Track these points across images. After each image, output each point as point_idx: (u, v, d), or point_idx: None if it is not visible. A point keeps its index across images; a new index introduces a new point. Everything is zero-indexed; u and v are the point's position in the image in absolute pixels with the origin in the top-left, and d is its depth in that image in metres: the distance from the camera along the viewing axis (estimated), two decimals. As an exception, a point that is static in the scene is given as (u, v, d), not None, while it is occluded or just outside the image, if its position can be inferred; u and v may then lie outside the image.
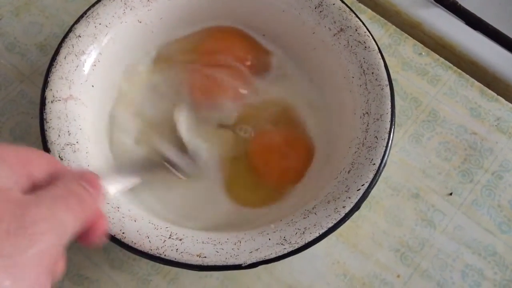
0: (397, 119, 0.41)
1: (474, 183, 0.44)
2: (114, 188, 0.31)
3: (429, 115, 0.47)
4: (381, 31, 0.50)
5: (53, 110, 0.37)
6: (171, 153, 0.39)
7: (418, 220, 0.43)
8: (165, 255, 0.34)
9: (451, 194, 0.44)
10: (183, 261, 0.33)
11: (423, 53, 0.50)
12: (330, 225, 0.34)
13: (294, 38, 0.45)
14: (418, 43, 0.50)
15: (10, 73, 0.47)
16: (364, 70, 0.40)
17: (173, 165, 0.38)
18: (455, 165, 0.45)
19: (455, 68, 0.49)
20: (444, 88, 0.48)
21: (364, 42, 0.40)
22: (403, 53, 0.50)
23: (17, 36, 0.49)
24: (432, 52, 0.50)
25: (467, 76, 0.49)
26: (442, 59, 0.49)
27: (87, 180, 0.26)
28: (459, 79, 0.49)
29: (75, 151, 0.36)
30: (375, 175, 0.36)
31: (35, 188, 0.24)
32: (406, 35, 0.51)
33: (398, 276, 0.41)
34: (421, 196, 0.44)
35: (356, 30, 0.41)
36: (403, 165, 0.45)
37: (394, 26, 0.51)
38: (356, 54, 0.40)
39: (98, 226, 0.27)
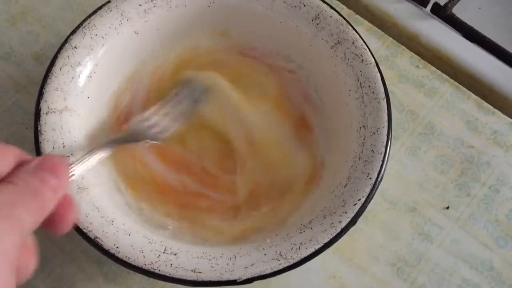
0: (393, 131, 0.41)
1: (471, 197, 0.44)
2: (82, 167, 0.31)
3: (426, 127, 0.47)
4: (378, 43, 0.50)
5: (48, 122, 0.37)
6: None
7: (414, 234, 0.43)
8: (159, 270, 0.33)
9: (447, 208, 0.44)
10: (178, 276, 0.33)
11: (420, 65, 0.50)
12: (326, 240, 0.34)
13: (291, 50, 0.45)
14: (415, 55, 0.50)
15: (6, 83, 0.47)
16: (360, 83, 0.40)
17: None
18: (452, 179, 0.45)
19: (452, 80, 0.49)
20: (441, 100, 0.48)
21: (361, 55, 0.40)
22: (400, 65, 0.50)
23: (12, 46, 0.49)
24: (429, 65, 0.50)
25: (464, 89, 0.49)
26: (439, 72, 0.49)
27: (49, 169, 0.26)
28: (456, 92, 0.49)
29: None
30: (372, 189, 0.36)
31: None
32: (403, 47, 0.51)
33: (395, 290, 0.41)
34: (417, 209, 0.44)
35: (353, 43, 0.41)
36: (400, 178, 0.45)
37: (391, 38, 0.51)
38: (353, 67, 0.40)
39: (65, 214, 0.26)
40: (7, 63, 0.48)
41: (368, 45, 0.41)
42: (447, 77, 0.49)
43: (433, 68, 0.50)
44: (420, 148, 0.46)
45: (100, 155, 0.33)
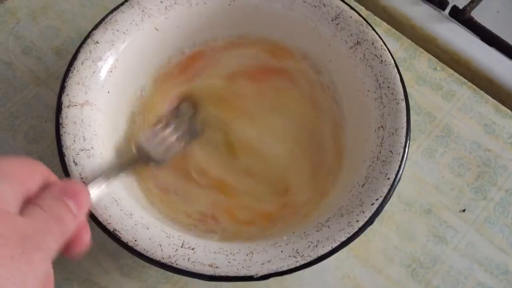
0: (411, 133, 0.41)
1: (487, 201, 0.44)
2: (100, 191, 0.33)
3: (443, 130, 0.47)
4: (396, 45, 0.50)
5: (69, 115, 0.37)
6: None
7: (430, 236, 0.43)
8: (177, 264, 0.33)
9: (464, 210, 0.44)
10: (195, 271, 0.33)
11: (438, 68, 0.49)
12: (343, 239, 0.34)
13: (310, 49, 0.45)
14: (433, 58, 0.50)
15: (26, 77, 0.48)
16: (379, 84, 0.40)
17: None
18: (469, 182, 0.45)
19: (469, 83, 0.49)
20: (459, 103, 0.48)
21: (381, 55, 0.40)
22: (418, 67, 0.49)
23: (33, 40, 0.50)
24: (447, 67, 0.50)
25: (482, 92, 0.49)
26: (456, 75, 0.49)
27: (72, 194, 0.26)
28: (473, 95, 0.48)
29: (89, 157, 0.37)
30: (389, 190, 0.36)
31: (27, 201, 0.25)
32: (421, 49, 0.50)
33: (409, 292, 0.41)
34: (433, 211, 0.44)
35: (373, 44, 0.41)
36: (416, 180, 0.45)
37: (409, 40, 0.51)
38: (372, 67, 0.40)
39: (79, 239, 0.27)
40: (28, 57, 0.49)
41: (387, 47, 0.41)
42: (464, 80, 0.49)
43: (451, 71, 0.50)
44: (437, 151, 0.46)
45: (111, 181, 0.34)
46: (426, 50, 0.51)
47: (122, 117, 0.42)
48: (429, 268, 0.42)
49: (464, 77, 0.49)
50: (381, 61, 0.40)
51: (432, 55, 0.50)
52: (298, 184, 0.42)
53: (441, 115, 0.47)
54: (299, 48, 0.45)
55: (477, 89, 0.49)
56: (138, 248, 0.34)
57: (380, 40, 0.41)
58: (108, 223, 0.34)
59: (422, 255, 0.42)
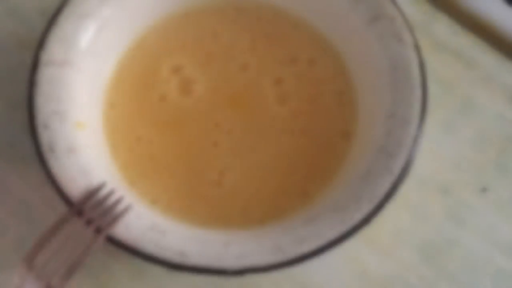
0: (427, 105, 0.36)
1: (510, 179, 0.39)
2: None
3: (463, 101, 0.42)
4: (413, 8, 0.45)
5: (45, 74, 0.34)
6: None
7: (446, 217, 0.39)
8: (143, 248, 0.30)
9: (484, 189, 0.39)
10: (161, 258, 0.30)
11: (459, 34, 0.44)
12: (333, 237, 0.30)
13: (324, 24, 0.40)
14: (454, 22, 0.45)
15: (9, 39, 0.44)
16: (395, 66, 0.35)
17: None
18: (491, 158, 0.40)
19: (494, 51, 0.44)
20: (481, 72, 0.43)
21: (399, 34, 0.35)
22: (437, 32, 0.44)
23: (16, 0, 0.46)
24: (469, 33, 0.44)
25: (507, 60, 0.43)
26: (479, 41, 0.44)
27: None
28: (497, 63, 0.43)
29: (62, 121, 0.33)
30: (392, 187, 0.31)
31: None
32: (441, 12, 0.45)
33: (422, 278, 0.37)
34: (450, 190, 0.39)
35: (392, 21, 0.36)
36: (432, 155, 0.40)
37: (428, 3, 0.45)
38: (388, 47, 0.35)
39: None
40: (10, 18, 0.45)
41: (402, 9, 0.36)
42: (488, 47, 0.44)
43: (473, 37, 0.44)
44: (456, 124, 0.41)
45: None
46: (447, 13, 0.45)
47: (106, 81, 0.39)
48: (444, 252, 0.38)
49: (488, 43, 0.44)
50: (399, 40, 0.35)
51: (453, 19, 0.45)
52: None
53: (462, 85, 0.42)
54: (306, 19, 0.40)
55: (502, 57, 0.43)
56: (101, 225, 0.30)
57: (401, 17, 0.36)
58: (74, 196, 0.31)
59: (437, 238, 0.38)
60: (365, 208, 0.31)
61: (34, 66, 0.34)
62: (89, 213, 0.30)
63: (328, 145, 0.38)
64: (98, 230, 0.30)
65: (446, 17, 0.45)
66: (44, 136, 0.32)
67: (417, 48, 0.35)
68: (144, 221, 0.31)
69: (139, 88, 0.39)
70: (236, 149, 0.38)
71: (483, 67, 0.43)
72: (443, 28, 0.45)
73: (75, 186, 0.31)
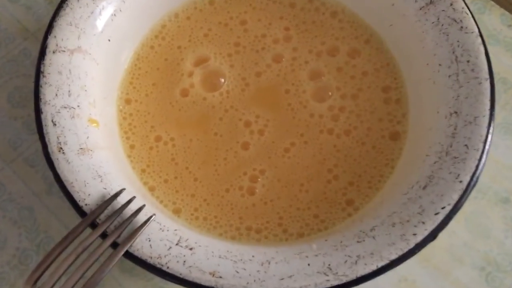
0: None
1: None
2: None
3: None
4: None
5: (54, 63, 0.30)
6: None
7: (509, 231, 0.34)
8: (168, 267, 0.25)
9: None
10: (191, 279, 0.25)
11: None
12: (394, 257, 0.25)
13: (366, 11, 0.36)
14: (507, 13, 0.41)
15: (13, 28, 0.40)
16: (456, 57, 0.30)
17: None
18: None
19: None
20: None
21: (461, 20, 0.31)
22: (489, 23, 0.40)
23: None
24: None
25: None
26: None
27: None
28: None
29: (73, 117, 0.29)
30: (461, 196, 0.27)
31: None
32: (492, 2, 0.41)
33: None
34: (511, 201, 0.35)
35: (451, 5, 0.31)
36: (490, 161, 0.35)
37: None
38: (447, 35, 0.31)
39: None
40: (15, 6, 0.41)
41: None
42: None
43: None
44: None
45: None
46: (499, 3, 0.41)
47: (122, 74, 0.34)
48: (508, 272, 0.33)
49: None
50: (461, 27, 0.31)
51: (506, 9, 0.41)
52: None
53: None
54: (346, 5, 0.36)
55: None
56: (119, 240, 0.25)
57: (462, 0, 0.31)
58: (86, 204, 0.26)
59: (499, 255, 0.34)
60: (430, 221, 0.26)
61: (42, 53, 0.30)
62: (104, 225, 0.26)
63: (375, 147, 0.33)
64: (115, 245, 0.25)
65: (498, 7, 0.41)
66: (53, 134, 0.28)
67: (481, 36, 0.30)
68: (168, 234, 0.26)
69: (158, 81, 0.35)
70: (269, 152, 0.33)
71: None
72: (495, 18, 0.40)
73: (88, 192, 0.27)
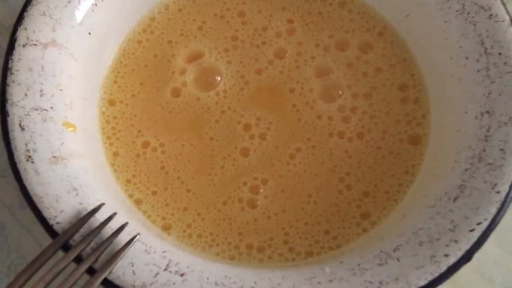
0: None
1: None
2: None
3: None
4: None
5: (24, 58, 0.26)
6: None
7: None
8: (154, 298, 0.21)
9: None
10: (182, 312, 0.21)
11: None
12: (423, 283, 0.21)
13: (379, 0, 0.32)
14: None
15: None
16: (486, 49, 0.27)
17: None
18: None
19: None
20: None
21: (489, 8, 0.27)
22: None
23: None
24: None
25: None
26: None
27: None
28: None
29: (45, 120, 0.25)
30: (500, 209, 0.23)
31: None
32: None
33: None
34: None
35: (478, -11, 0.28)
36: None
37: None
38: (474, 24, 0.27)
39: None
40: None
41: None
42: None
43: None
44: None
45: None
46: None
47: (105, 71, 0.30)
48: None
49: None
50: (490, 15, 0.27)
51: None
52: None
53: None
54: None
55: None
56: (96, 266, 0.21)
57: (489, -15, 0.28)
58: (56, 223, 0.22)
59: None
60: (464, 240, 0.22)
61: (10, 47, 0.26)
62: (79, 247, 0.22)
63: (392, 152, 0.29)
64: (91, 271, 0.21)
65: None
66: (20, 140, 0.24)
67: (514, 25, 0.27)
68: (155, 257, 0.22)
69: (146, 80, 0.31)
70: (272, 159, 0.29)
71: None
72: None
73: (60, 208, 0.23)
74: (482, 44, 0.27)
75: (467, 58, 0.27)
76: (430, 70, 0.30)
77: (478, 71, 0.26)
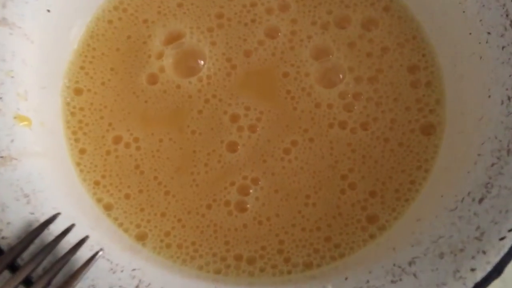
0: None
1: None
2: None
3: None
4: None
5: (-34, 40, 0.22)
6: None
7: None
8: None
9: None
10: None
11: None
12: (446, 304, 0.18)
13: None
14: None
15: None
16: (511, 23, 0.23)
17: None
18: None
19: None
20: None
21: (516, -26, 0.23)
22: None
23: None
24: None
25: None
26: None
27: None
28: None
29: (-9, 114, 0.21)
30: (536, 213, 0.19)
31: None
32: None
33: None
34: None
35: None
36: None
37: None
38: (499, -5, 0.24)
39: None
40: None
41: None
42: None
43: None
44: None
45: None
46: None
47: (70, 56, 0.26)
48: None
49: None
50: (517, -17, 0.23)
51: None
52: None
53: None
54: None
55: None
56: (49, 291, 0.18)
57: None
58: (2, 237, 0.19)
59: None
60: (494, 250, 0.19)
61: (-51, 27, 0.22)
62: (29, 267, 0.18)
63: (402, 144, 0.26)
64: (44, 296, 0.18)
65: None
66: (-41, 138, 0.20)
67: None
68: (122, 277, 0.19)
69: (118, 66, 0.28)
70: (264, 154, 0.26)
71: None
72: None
73: (7, 220, 0.19)
74: (507, 16, 0.24)
75: (489, 33, 0.24)
76: (445, 49, 0.27)
77: (503, 47, 0.24)
